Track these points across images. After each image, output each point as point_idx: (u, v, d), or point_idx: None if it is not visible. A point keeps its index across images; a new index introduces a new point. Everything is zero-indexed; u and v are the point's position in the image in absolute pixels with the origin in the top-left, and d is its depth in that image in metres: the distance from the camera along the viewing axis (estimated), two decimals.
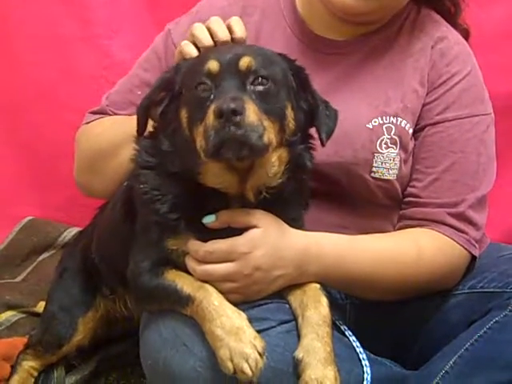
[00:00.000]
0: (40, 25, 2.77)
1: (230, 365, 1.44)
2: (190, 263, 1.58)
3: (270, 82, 1.52)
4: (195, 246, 1.57)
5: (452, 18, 1.97)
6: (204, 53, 1.61)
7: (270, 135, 1.48)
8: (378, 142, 1.81)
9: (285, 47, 1.85)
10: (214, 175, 1.54)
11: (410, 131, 1.84)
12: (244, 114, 1.41)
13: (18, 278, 2.69)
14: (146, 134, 1.66)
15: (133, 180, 1.69)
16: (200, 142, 1.48)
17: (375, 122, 1.81)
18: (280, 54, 1.64)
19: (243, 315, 1.50)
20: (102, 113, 2.02)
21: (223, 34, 1.64)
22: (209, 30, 1.65)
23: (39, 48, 2.78)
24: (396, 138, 1.81)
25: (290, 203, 1.65)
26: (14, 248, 2.77)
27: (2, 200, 2.86)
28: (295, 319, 1.60)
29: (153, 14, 2.70)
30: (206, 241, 1.57)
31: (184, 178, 1.57)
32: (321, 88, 1.70)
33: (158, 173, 1.61)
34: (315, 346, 1.52)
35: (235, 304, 1.53)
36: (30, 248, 2.76)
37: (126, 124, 1.77)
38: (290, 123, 1.56)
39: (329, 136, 1.62)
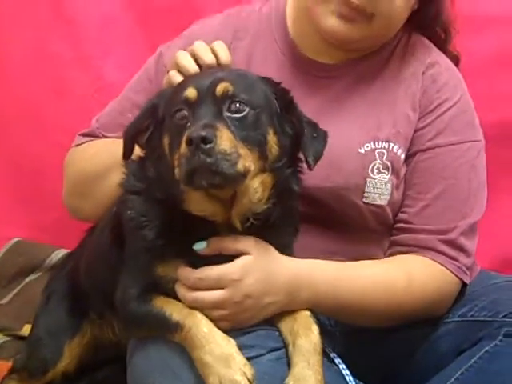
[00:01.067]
0: (31, 44, 2.76)
1: None
2: (180, 290, 1.56)
3: (248, 108, 1.50)
4: (185, 272, 1.55)
5: (443, 45, 1.97)
6: (185, 79, 1.61)
7: (247, 163, 1.46)
8: (370, 167, 1.80)
9: (276, 70, 1.86)
10: (197, 203, 1.53)
11: (402, 156, 1.83)
12: (215, 141, 1.40)
13: (4, 300, 2.65)
14: (135, 157, 1.65)
15: (120, 205, 1.68)
16: (177, 170, 1.46)
17: (367, 146, 1.81)
18: (264, 78, 1.63)
19: (233, 342, 1.48)
20: (92, 135, 2.01)
21: (209, 58, 1.64)
22: (194, 55, 1.65)
23: (30, 67, 2.76)
24: (388, 163, 1.81)
25: (279, 230, 1.63)
26: None
27: None
28: (285, 346, 1.58)
29: (145, 36, 2.70)
30: (195, 267, 1.55)
31: (170, 205, 1.56)
32: (312, 111, 1.69)
33: (145, 198, 1.60)
34: (306, 374, 1.50)
35: (225, 331, 1.51)
36: (16, 269, 2.72)
37: (116, 147, 1.74)
38: (273, 149, 1.54)
39: (317, 159, 1.58)
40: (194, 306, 1.53)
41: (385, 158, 1.81)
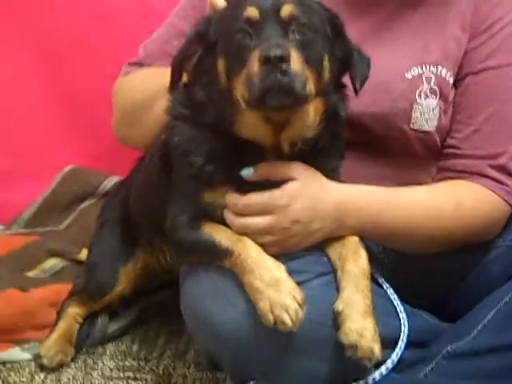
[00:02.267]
0: None
1: (270, 316, 1.45)
2: (229, 216, 1.58)
3: (310, 32, 1.50)
4: (233, 198, 1.57)
5: None
6: (237, 1, 1.56)
7: (311, 85, 1.46)
8: (418, 92, 1.77)
9: None
10: (250, 126, 1.54)
11: (451, 80, 1.80)
12: (290, 61, 1.39)
13: (61, 226, 2.75)
14: (180, 85, 1.65)
15: (167, 133, 1.69)
16: (241, 91, 1.45)
17: (414, 71, 1.77)
18: (317, 2, 1.60)
19: (282, 267, 1.51)
20: (139, 64, 2.02)
21: None
22: None
23: None
24: (436, 87, 1.77)
25: (326, 155, 1.64)
26: (56, 197, 2.82)
27: (43, 150, 2.88)
28: (334, 272, 1.61)
29: None
30: (242, 193, 1.57)
31: (219, 130, 1.56)
32: (357, 37, 1.67)
33: (192, 124, 1.61)
34: (355, 298, 1.53)
35: (274, 256, 1.54)
36: (71, 196, 2.81)
37: (162, 76, 1.74)
38: (326, 74, 1.54)
39: (363, 83, 1.59)
40: (243, 232, 1.56)
41: (432, 82, 1.77)
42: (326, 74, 1.54)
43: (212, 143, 1.58)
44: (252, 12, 1.48)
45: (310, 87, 1.46)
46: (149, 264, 2.07)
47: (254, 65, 1.40)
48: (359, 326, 1.50)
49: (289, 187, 1.57)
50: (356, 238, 1.64)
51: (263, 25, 1.46)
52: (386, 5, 1.83)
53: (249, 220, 1.56)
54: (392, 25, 1.82)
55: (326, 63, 1.54)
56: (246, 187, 1.57)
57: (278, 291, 1.46)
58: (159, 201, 1.75)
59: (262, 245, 1.55)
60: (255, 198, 1.56)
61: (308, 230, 1.60)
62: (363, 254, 1.61)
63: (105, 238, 2.11)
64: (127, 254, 2.06)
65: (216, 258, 1.57)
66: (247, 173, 1.57)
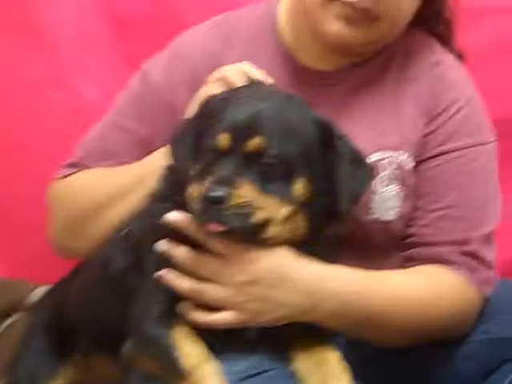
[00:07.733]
0: (6, 67, 2.64)
1: None
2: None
3: (279, 161, 1.40)
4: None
5: (446, 42, 1.87)
6: (228, 104, 1.46)
7: (265, 214, 1.38)
8: (377, 180, 1.68)
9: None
10: None
11: (411, 165, 1.73)
12: (228, 201, 1.34)
13: None
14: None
15: (139, 220, 1.61)
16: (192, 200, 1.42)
17: (373, 157, 1.70)
18: (308, 111, 1.50)
19: None
20: (78, 165, 1.89)
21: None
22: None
23: (5, 92, 2.64)
24: (396, 173, 1.70)
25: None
26: None
27: None
28: None
29: (123, 51, 2.58)
30: None
31: None
32: None
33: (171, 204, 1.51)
34: None
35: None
36: None
37: (109, 180, 1.71)
38: (302, 195, 1.43)
39: (352, 201, 1.48)
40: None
41: (392, 168, 1.71)
42: (302, 196, 1.43)
43: None
44: (222, 141, 1.40)
45: (262, 216, 1.38)
46: (81, 381, 1.83)
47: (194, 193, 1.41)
48: None
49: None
50: (338, 354, 1.47)
51: (228, 154, 1.40)
52: (344, 85, 1.77)
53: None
54: (349, 107, 1.76)
55: (301, 186, 1.42)
56: None
57: None
58: (119, 301, 1.59)
59: (215, 299, 1.43)
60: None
61: (270, 299, 1.44)
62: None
63: (27, 350, 1.89)
64: (52, 369, 1.82)
65: (168, 371, 1.41)
66: None
